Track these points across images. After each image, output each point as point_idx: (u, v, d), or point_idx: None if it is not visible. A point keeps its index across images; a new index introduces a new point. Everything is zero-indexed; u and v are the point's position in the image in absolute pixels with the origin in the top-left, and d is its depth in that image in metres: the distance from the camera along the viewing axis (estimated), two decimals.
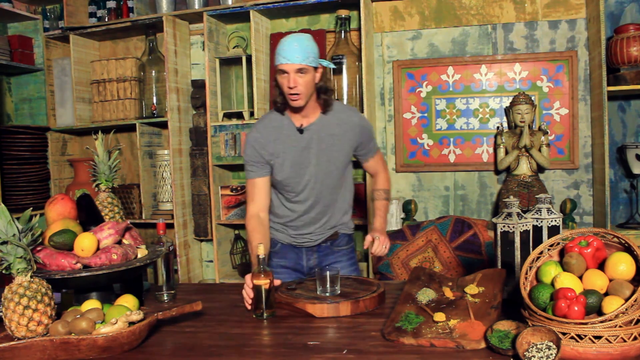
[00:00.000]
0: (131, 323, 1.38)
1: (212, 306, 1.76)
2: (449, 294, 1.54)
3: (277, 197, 2.09)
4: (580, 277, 1.29)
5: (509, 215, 1.59)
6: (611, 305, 1.17)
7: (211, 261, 3.49)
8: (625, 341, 1.13)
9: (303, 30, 3.21)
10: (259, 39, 3.12)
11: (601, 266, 1.30)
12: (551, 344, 1.13)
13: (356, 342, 1.37)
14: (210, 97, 3.13)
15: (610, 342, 1.13)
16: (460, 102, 3.12)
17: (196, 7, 3.23)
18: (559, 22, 2.96)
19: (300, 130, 1.95)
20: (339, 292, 1.69)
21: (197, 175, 3.31)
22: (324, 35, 3.18)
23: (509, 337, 1.23)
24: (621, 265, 1.25)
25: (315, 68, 1.86)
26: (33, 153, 3.38)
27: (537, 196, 1.62)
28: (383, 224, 2.09)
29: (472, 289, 1.52)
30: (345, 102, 3.04)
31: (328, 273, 1.68)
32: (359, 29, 3.07)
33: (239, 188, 3.17)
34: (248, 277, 1.67)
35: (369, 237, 1.99)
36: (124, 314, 1.37)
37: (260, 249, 1.65)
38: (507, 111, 3.00)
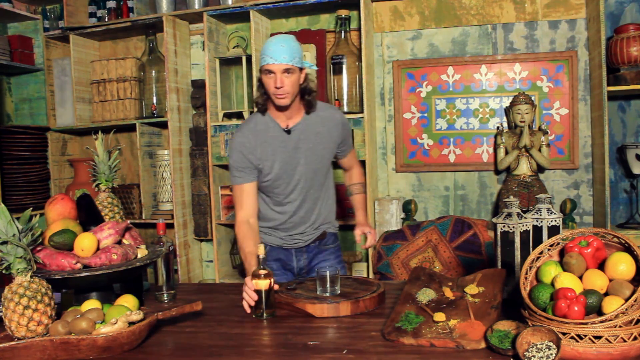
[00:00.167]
0: (131, 323, 1.38)
1: (212, 306, 1.76)
2: (449, 294, 1.54)
3: (263, 202, 2.10)
4: (580, 277, 1.29)
5: (509, 215, 1.59)
6: (611, 305, 1.17)
7: (211, 261, 3.49)
8: (625, 341, 1.13)
9: (303, 31, 3.21)
10: (259, 39, 3.11)
11: (601, 266, 1.30)
12: (551, 344, 1.13)
13: (356, 342, 1.37)
14: (210, 97, 3.13)
15: (610, 342, 1.13)
16: (460, 102, 3.12)
17: (196, 7, 3.23)
18: (559, 22, 2.97)
19: (288, 131, 1.98)
20: (339, 292, 1.69)
21: (197, 175, 3.31)
22: (324, 35, 3.18)
23: (509, 337, 1.23)
24: (621, 265, 1.25)
25: (301, 69, 1.90)
26: (33, 153, 3.38)
27: (537, 196, 1.62)
28: (365, 216, 2.26)
29: (472, 289, 1.52)
30: (345, 102, 3.04)
31: (328, 273, 1.68)
32: (359, 29, 3.07)
33: None
34: (248, 279, 1.66)
35: (359, 232, 2.11)
36: (124, 314, 1.37)
37: (260, 249, 1.65)
38: (507, 111, 3.00)
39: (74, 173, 3.53)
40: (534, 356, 1.12)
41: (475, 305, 1.45)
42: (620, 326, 1.13)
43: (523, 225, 1.58)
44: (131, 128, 3.41)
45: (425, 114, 3.18)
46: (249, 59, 3.12)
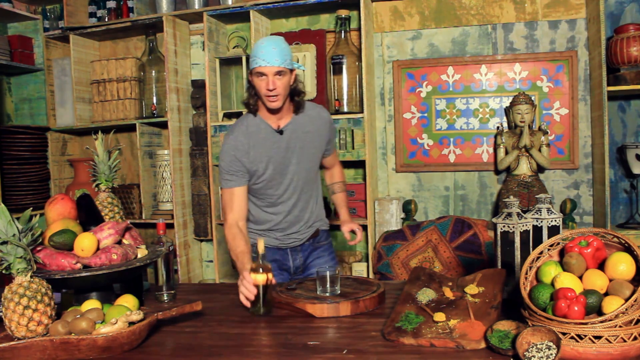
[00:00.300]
0: (131, 323, 1.38)
1: (212, 306, 1.75)
2: (449, 294, 1.54)
3: (256, 206, 2.10)
4: (580, 277, 1.29)
5: (509, 215, 1.59)
6: (611, 305, 1.17)
7: (211, 261, 3.49)
8: (625, 341, 1.13)
9: (303, 31, 3.21)
10: (258, 39, 3.11)
11: (601, 266, 1.30)
12: (551, 344, 1.13)
13: (356, 342, 1.37)
14: (210, 97, 3.13)
15: (610, 342, 1.13)
16: (460, 102, 3.12)
17: (196, 7, 3.23)
18: (559, 22, 2.97)
19: (280, 131, 1.99)
20: (339, 292, 1.69)
21: (197, 175, 3.31)
22: (324, 35, 3.18)
23: (509, 337, 1.23)
24: (621, 265, 1.25)
25: (291, 70, 1.92)
26: (33, 153, 3.38)
27: (537, 196, 1.62)
28: (349, 214, 2.28)
29: (472, 289, 1.52)
30: (345, 102, 3.04)
31: (328, 273, 1.68)
32: (359, 29, 3.07)
33: None
34: (247, 273, 1.67)
35: (347, 229, 2.16)
36: (124, 314, 1.37)
37: (260, 244, 1.66)
38: (507, 111, 3.00)
39: (74, 173, 3.53)
40: (534, 356, 1.12)
41: (475, 305, 1.45)
42: (620, 326, 1.13)
43: (523, 225, 1.58)
44: (131, 128, 3.41)
45: (425, 114, 3.18)
46: (249, 59, 3.12)
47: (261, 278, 1.62)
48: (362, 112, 2.94)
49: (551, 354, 1.11)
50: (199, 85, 3.32)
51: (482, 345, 1.27)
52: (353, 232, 2.18)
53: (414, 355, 1.26)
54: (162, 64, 3.30)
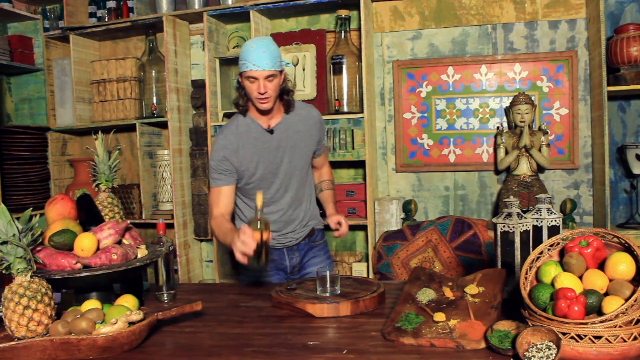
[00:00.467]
0: (131, 323, 1.38)
1: (212, 306, 1.76)
2: (449, 294, 1.54)
3: (249, 207, 2.11)
4: (580, 277, 1.29)
5: (509, 215, 1.59)
6: (611, 305, 1.17)
7: (211, 261, 3.49)
8: (625, 341, 1.13)
9: (303, 31, 3.21)
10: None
11: (601, 266, 1.30)
12: (551, 344, 1.13)
13: (356, 342, 1.37)
14: (210, 97, 3.13)
15: (610, 342, 1.13)
16: (460, 102, 3.12)
17: (196, 7, 3.23)
18: (559, 22, 2.97)
19: (271, 131, 2.01)
20: (339, 292, 1.69)
21: (197, 175, 3.32)
22: (324, 35, 3.18)
23: (509, 337, 1.23)
24: (621, 265, 1.25)
25: (280, 72, 1.93)
26: (33, 153, 3.38)
27: (537, 196, 1.62)
28: (335, 209, 2.27)
29: (472, 289, 1.52)
30: (345, 102, 3.04)
31: (328, 273, 1.68)
32: (359, 29, 3.07)
33: None
34: (246, 227, 1.69)
35: (334, 220, 2.14)
36: (124, 314, 1.37)
37: (258, 199, 1.70)
38: (507, 111, 3.00)
39: (74, 173, 3.53)
40: (534, 356, 1.12)
41: (475, 305, 1.45)
42: (620, 326, 1.13)
43: (523, 225, 1.58)
44: (131, 128, 3.41)
45: (425, 114, 3.18)
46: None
47: (262, 233, 1.67)
48: (362, 112, 2.94)
49: (551, 354, 1.11)
50: (199, 85, 3.32)
51: (482, 345, 1.27)
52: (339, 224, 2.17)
53: (414, 355, 1.26)
54: (162, 64, 3.30)
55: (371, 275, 2.99)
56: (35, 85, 3.53)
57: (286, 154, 2.02)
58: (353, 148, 2.94)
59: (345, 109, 3.04)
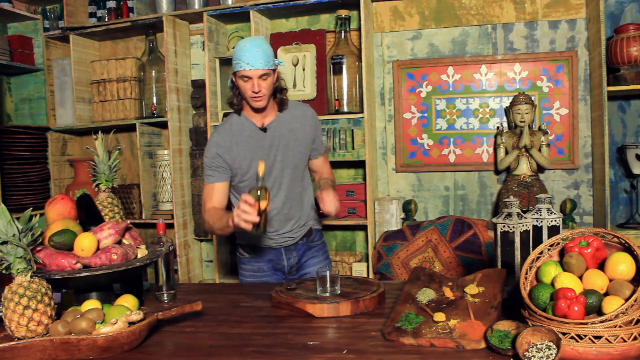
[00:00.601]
0: (131, 323, 1.38)
1: (212, 306, 1.76)
2: (449, 294, 1.54)
3: None
4: (580, 277, 1.29)
5: (509, 215, 1.59)
6: (611, 305, 1.17)
7: (211, 261, 3.49)
8: (625, 341, 1.13)
9: (303, 31, 3.21)
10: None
11: (601, 266, 1.30)
12: (551, 344, 1.13)
13: (356, 342, 1.37)
14: (210, 97, 3.13)
15: (610, 342, 1.13)
16: (460, 102, 3.12)
17: (196, 7, 3.23)
18: (559, 22, 2.96)
19: (264, 129, 2.04)
20: (339, 292, 1.69)
21: (197, 175, 3.31)
22: (324, 35, 3.18)
23: (509, 337, 1.23)
24: (621, 265, 1.25)
25: (274, 70, 1.97)
26: (33, 153, 3.38)
27: (537, 196, 1.62)
28: (330, 189, 2.06)
29: (472, 289, 1.52)
30: (345, 102, 3.04)
31: (328, 273, 1.68)
32: (359, 29, 3.07)
33: None
34: (248, 196, 1.71)
35: (319, 193, 2.03)
36: (124, 314, 1.37)
37: (260, 167, 1.73)
38: (507, 111, 3.00)
39: (74, 173, 3.53)
40: (534, 356, 1.12)
41: (475, 305, 1.45)
42: (620, 326, 1.13)
43: (523, 225, 1.58)
44: (131, 128, 3.41)
45: (425, 114, 3.18)
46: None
47: (263, 199, 1.71)
48: (362, 112, 2.95)
49: (551, 354, 1.11)
50: (199, 85, 3.32)
51: (482, 345, 1.27)
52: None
53: (414, 355, 1.26)
54: (162, 64, 3.30)
55: (371, 275, 2.99)
56: (35, 85, 3.53)
57: (279, 152, 2.04)
58: (353, 148, 2.94)
59: (345, 109, 3.04)
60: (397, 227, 3.02)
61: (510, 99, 2.96)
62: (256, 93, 1.92)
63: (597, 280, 1.26)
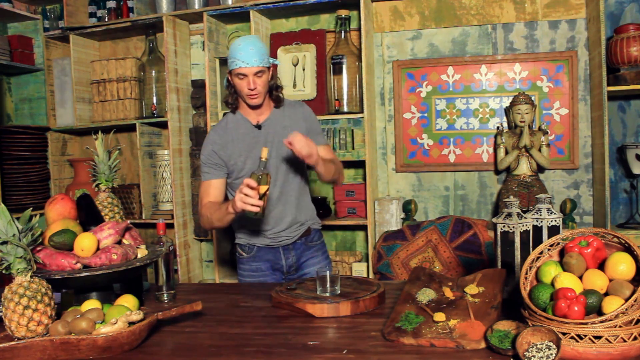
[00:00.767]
0: (131, 323, 1.38)
1: (212, 306, 1.75)
2: (449, 294, 1.54)
3: None
4: (580, 277, 1.29)
5: (509, 215, 1.59)
6: (611, 305, 1.17)
7: (211, 261, 3.49)
8: (625, 341, 1.13)
9: (303, 31, 3.21)
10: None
11: (601, 266, 1.30)
12: (551, 344, 1.13)
13: (356, 342, 1.37)
14: (210, 97, 3.13)
15: (610, 342, 1.13)
16: (460, 102, 3.12)
17: (196, 7, 3.23)
18: (559, 22, 2.96)
19: (259, 127, 2.07)
20: (339, 292, 1.69)
21: (197, 175, 3.31)
22: (324, 35, 3.18)
23: (509, 337, 1.23)
24: (621, 265, 1.25)
25: (269, 68, 2.00)
26: (33, 153, 3.38)
27: (537, 196, 1.62)
28: (321, 160, 1.93)
29: (472, 289, 1.52)
30: (345, 102, 3.04)
31: (328, 273, 1.68)
32: (359, 29, 3.07)
33: None
34: (251, 181, 1.75)
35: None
36: (124, 314, 1.37)
37: (264, 152, 1.77)
38: (507, 111, 3.00)
39: (74, 173, 3.53)
40: (534, 356, 1.12)
41: (475, 305, 1.45)
42: (620, 326, 1.13)
43: (523, 225, 1.58)
44: (131, 128, 3.41)
45: (425, 114, 3.18)
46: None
47: (264, 187, 1.75)
48: (362, 112, 2.95)
49: (551, 354, 1.11)
50: (199, 85, 3.32)
51: (482, 345, 1.27)
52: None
53: (414, 355, 1.26)
54: (162, 64, 3.30)
55: (371, 275, 2.99)
56: (35, 85, 3.53)
57: (274, 149, 2.06)
58: (353, 148, 2.94)
59: (345, 109, 3.04)
60: (397, 227, 3.02)
61: (510, 99, 2.96)
62: (252, 90, 1.96)
63: (597, 280, 1.26)
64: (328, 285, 1.68)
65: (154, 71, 3.36)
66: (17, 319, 1.31)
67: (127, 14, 3.39)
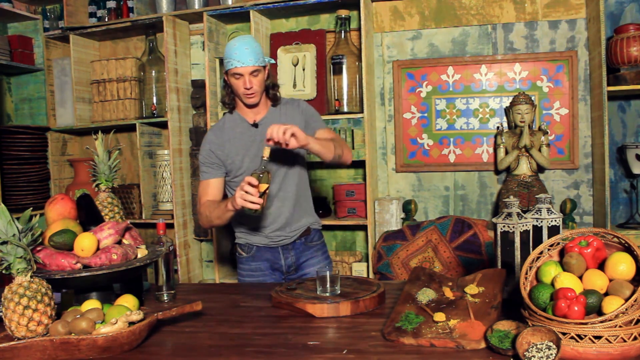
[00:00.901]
0: (131, 323, 1.38)
1: (212, 306, 1.76)
2: (449, 294, 1.54)
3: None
4: (580, 277, 1.29)
5: (509, 215, 1.59)
6: (611, 305, 1.17)
7: (211, 261, 3.49)
8: (625, 341, 1.13)
9: (303, 31, 3.21)
10: (258, 39, 3.11)
11: (601, 266, 1.30)
12: (551, 344, 1.13)
13: (356, 342, 1.37)
14: (210, 97, 3.13)
15: (610, 342, 1.13)
16: (460, 102, 3.12)
17: (196, 7, 3.23)
18: (559, 22, 2.96)
19: (256, 125, 2.09)
20: (339, 292, 1.69)
21: (197, 175, 3.31)
22: (324, 35, 3.18)
23: (509, 337, 1.23)
24: (621, 265, 1.25)
25: (264, 67, 2.02)
26: (33, 153, 3.38)
27: (537, 196, 1.62)
28: (313, 138, 1.91)
29: (472, 289, 1.52)
30: (345, 102, 3.04)
31: (328, 273, 1.68)
32: (359, 29, 3.07)
33: None
34: (252, 179, 1.76)
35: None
36: (124, 314, 1.37)
37: (265, 152, 1.78)
38: (507, 111, 3.00)
39: (74, 173, 3.53)
40: (534, 356, 1.12)
41: (475, 305, 1.45)
42: (620, 326, 1.13)
43: (523, 225, 1.58)
44: (131, 128, 3.41)
45: (425, 114, 3.18)
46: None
47: (264, 185, 1.77)
48: (362, 112, 2.95)
49: (551, 354, 1.11)
50: (199, 85, 3.32)
51: (482, 345, 1.27)
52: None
53: (414, 355, 1.26)
54: (162, 64, 3.30)
55: (371, 275, 2.99)
56: (35, 85, 3.53)
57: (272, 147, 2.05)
58: (353, 148, 2.94)
59: (345, 109, 3.04)
60: (397, 227, 3.02)
61: (510, 99, 2.96)
62: (248, 90, 1.98)
63: (597, 280, 1.26)
64: (328, 285, 1.68)
65: (154, 71, 3.36)
66: (17, 319, 1.31)
67: (127, 14, 3.39)
